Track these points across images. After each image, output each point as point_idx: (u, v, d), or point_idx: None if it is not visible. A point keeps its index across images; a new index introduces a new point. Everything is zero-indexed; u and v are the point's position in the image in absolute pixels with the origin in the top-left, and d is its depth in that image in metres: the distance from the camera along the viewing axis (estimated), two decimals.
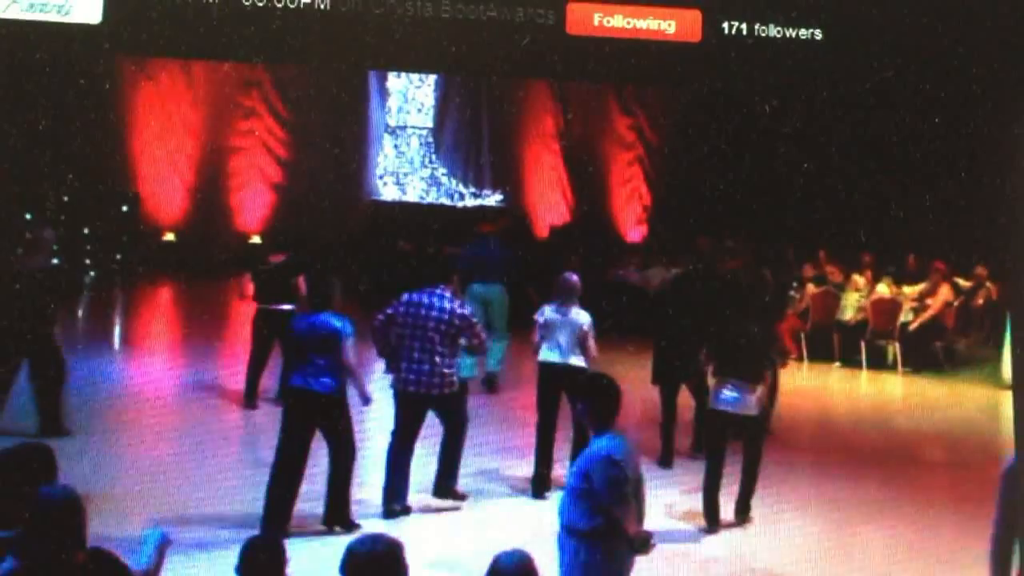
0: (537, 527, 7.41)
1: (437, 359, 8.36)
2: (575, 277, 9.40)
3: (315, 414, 7.91)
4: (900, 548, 8.28)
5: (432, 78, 20.68)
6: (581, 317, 9.16)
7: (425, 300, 8.44)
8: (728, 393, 8.56)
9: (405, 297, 8.51)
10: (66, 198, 17.84)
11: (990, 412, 12.25)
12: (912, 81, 10.44)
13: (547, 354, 9.21)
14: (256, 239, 19.16)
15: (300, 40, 10.06)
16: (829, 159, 16.55)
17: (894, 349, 14.75)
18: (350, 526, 7.99)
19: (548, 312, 9.24)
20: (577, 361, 9.09)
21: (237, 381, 10.94)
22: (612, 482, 5.41)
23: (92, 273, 18.00)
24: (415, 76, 20.41)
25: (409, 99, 20.91)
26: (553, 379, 9.13)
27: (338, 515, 8.03)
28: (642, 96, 20.65)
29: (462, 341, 8.60)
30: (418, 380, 8.37)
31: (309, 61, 13.58)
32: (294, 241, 11.46)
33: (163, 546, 4.69)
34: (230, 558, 4.46)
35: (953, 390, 13.42)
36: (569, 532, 5.53)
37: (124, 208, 18.42)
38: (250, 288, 10.92)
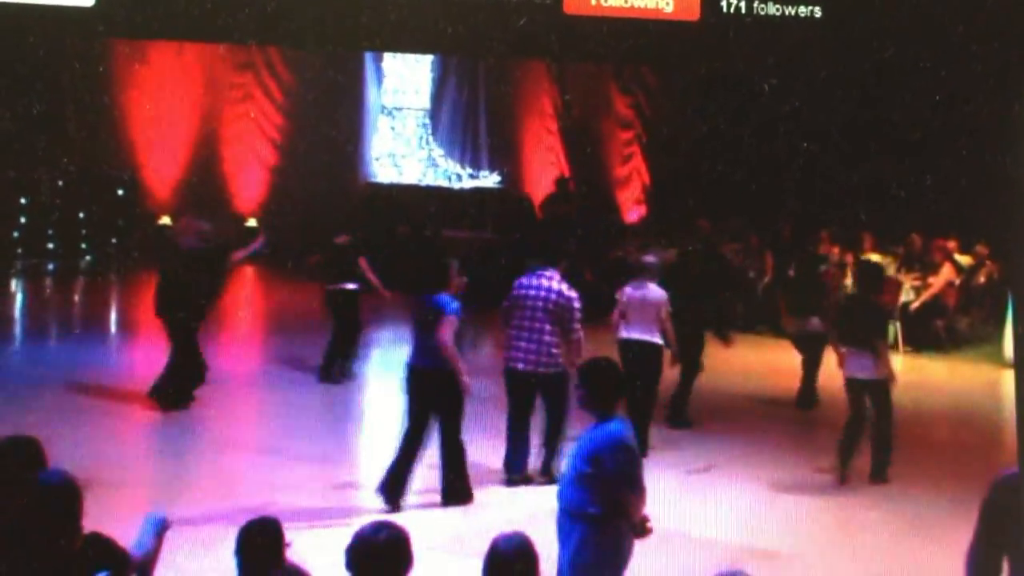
0: (536, 510, 7.41)
1: (545, 338, 8.74)
2: (651, 258, 9.99)
3: (425, 390, 8.28)
4: (902, 528, 8.27)
5: (429, 59, 20.60)
6: (659, 295, 9.59)
7: (534, 282, 8.83)
8: (854, 360, 9.12)
9: (518, 281, 8.94)
10: (61, 182, 17.79)
11: (991, 391, 12.21)
12: (912, 59, 10.39)
13: (627, 332, 9.62)
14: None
15: (295, 21, 10.00)
16: (829, 138, 16.50)
17: (895, 328, 14.68)
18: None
19: (628, 291, 9.66)
20: (655, 338, 9.57)
21: (226, 361, 10.91)
22: (627, 467, 5.36)
23: (88, 257, 17.97)
24: (411, 57, 20.32)
25: (406, 80, 20.82)
26: (633, 356, 9.53)
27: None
28: (641, 75, 20.55)
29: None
30: (525, 358, 8.76)
31: (304, 43, 13.51)
32: (355, 223, 12.28)
33: (162, 530, 4.67)
34: (229, 541, 4.43)
35: (954, 369, 13.39)
36: (575, 517, 5.45)
37: (120, 192, 18.36)
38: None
